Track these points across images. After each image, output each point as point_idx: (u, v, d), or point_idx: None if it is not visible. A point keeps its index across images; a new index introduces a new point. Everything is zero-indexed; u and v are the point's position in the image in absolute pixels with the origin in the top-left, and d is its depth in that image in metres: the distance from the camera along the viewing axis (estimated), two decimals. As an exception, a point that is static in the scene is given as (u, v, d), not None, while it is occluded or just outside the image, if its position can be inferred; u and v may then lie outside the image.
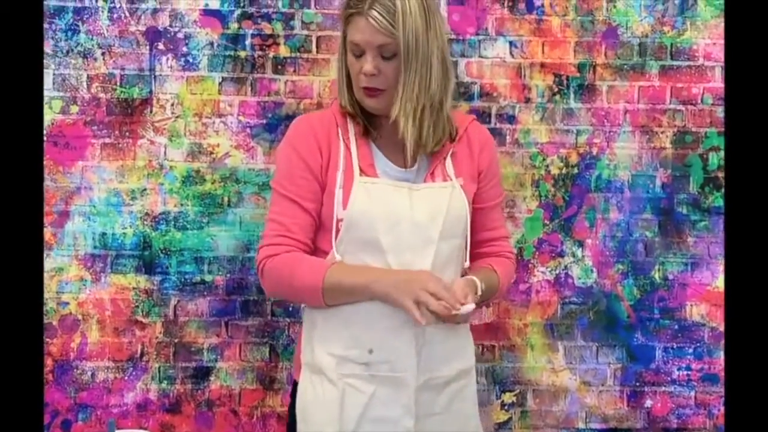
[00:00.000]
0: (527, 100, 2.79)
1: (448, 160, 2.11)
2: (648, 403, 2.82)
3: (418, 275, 1.98)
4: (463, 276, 2.12)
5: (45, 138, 2.70)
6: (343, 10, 2.07)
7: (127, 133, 2.72)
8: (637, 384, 2.82)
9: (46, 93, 2.69)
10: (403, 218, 2.03)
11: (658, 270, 2.81)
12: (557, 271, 2.80)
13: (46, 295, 2.69)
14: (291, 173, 2.07)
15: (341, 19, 2.08)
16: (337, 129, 2.09)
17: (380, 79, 2.02)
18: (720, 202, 2.80)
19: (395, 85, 2.02)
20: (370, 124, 2.10)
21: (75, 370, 2.72)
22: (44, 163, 2.69)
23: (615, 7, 2.79)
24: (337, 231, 2.04)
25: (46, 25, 2.69)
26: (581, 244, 2.81)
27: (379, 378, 2.02)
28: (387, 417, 2.02)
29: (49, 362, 2.71)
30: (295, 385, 2.15)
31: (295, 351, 2.14)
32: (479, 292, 2.05)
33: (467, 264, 2.14)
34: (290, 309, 2.74)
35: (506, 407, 2.79)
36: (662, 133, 2.81)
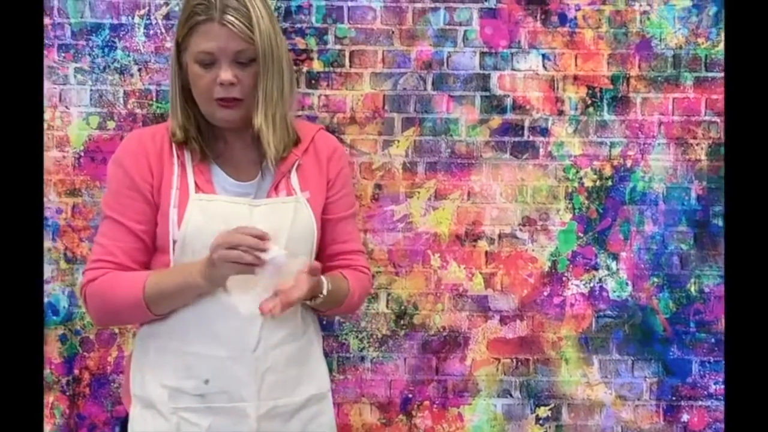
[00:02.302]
0: (560, 113, 2.78)
1: (293, 174, 1.98)
2: (685, 417, 2.79)
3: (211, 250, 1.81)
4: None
5: (83, 153, 2.73)
6: (185, 20, 1.91)
7: (163, 148, 2.75)
8: (674, 398, 2.79)
9: (83, 109, 2.73)
10: None
11: (694, 283, 2.79)
12: (591, 284, 2.79)
13: (83, 309, 2.71)
14: (117, 192, 1.93)
15: (180, 29, 1.92)
16: (171, 145, 1.95)
17: (238, 88, 1.89)
18: (756, 214, 2.78)
19: (252, 93, 1.91)
20: (208, 142, 1.96)
21: (112, 384, 2.74)
22: (82, 178, 2.73)
23: (649, 19, 2.78)
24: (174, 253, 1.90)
25: (83, 42, 2.73)
26: (616, 256, 2.79)
27: (216, 409, 1.88)
28: None
29: (86, 376, 2.74)
30: (125, 418, 1.96)
31: (123, 381, 2.01)
32: (325, 288, 1.91)
33: None
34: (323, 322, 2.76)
35: (541, 421, 2.78)
36: (697, 144, 2.79)
